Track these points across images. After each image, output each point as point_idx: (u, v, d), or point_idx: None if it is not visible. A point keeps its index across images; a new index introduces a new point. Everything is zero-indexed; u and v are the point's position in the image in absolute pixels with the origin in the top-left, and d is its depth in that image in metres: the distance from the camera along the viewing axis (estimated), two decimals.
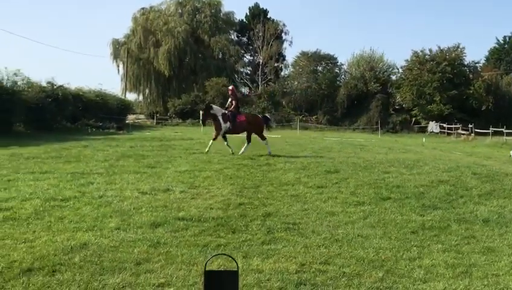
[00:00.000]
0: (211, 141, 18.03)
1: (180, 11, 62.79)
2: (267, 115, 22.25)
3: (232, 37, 66.99)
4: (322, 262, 5.77)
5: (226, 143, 17.88)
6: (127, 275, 5.16)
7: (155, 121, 55.58)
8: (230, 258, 4.31)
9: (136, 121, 56.45)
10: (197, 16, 62.52)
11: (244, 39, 68.52)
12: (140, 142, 23.54)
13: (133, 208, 8.30)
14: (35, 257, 5.59)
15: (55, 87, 30.91)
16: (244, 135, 18.62)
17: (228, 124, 17.97)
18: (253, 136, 18.28)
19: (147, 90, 63.28)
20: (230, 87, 19.86)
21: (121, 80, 62.55)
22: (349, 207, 8.99)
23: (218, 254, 4.89)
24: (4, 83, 25.70)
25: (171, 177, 11.86)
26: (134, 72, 61.53)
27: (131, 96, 62.52)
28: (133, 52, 60.64)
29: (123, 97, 54.10)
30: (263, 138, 18.55)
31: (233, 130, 18.28)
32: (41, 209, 8.00)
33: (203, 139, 27.58)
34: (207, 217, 7.73)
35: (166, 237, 6.61)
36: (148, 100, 63.69)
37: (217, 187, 10.58)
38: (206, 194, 9.76)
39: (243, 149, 17.75)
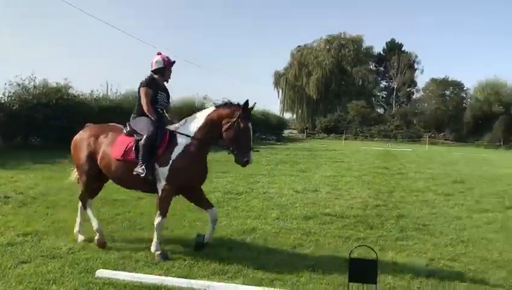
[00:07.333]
0: None
1: (327, 47, 62.50)
2: None
3: (371, 67, 65.25)
4: (449, 259, 5.40)
5: None
6: (285, 256, 5.30)
7: (305, 135, 56.11)
8: (369, 250, 4.25)
9: (290, 134, 57.54)
10: (341, 50, 61.92)
11: (381, 68, 66.32)
12: (293, 151, 24.00)
13: (289, 203, 8.50)
14: (216, 237, 5.85)
15: None
16: None
17: None
18: None
19: (300, 111, 64.05)
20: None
21: (280, 103, 64.55)
22: (473, 213, 8.30)
23: (361, 245, 4.81)
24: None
25: (318, 181, 11.93)
26: (290, 97, 62.89)
27: (287, 115, 64.00)
28: (289, 81, 62.12)
29: (281, 116, 55.74)
30: None
31: None
32: (221, 200, 8.52)
33: (344, 150, 27.37)
34: (348, 215, 7.65)
35: (316, 228, 6.66)
36: (300, 118, 64.41)
37: (356, 190, 10.42)
38: (347, 196, 9.66)
39: None
